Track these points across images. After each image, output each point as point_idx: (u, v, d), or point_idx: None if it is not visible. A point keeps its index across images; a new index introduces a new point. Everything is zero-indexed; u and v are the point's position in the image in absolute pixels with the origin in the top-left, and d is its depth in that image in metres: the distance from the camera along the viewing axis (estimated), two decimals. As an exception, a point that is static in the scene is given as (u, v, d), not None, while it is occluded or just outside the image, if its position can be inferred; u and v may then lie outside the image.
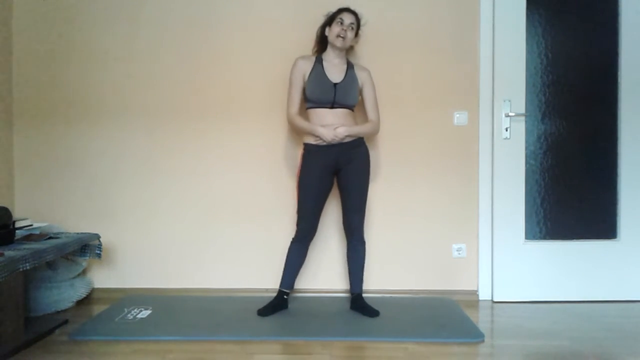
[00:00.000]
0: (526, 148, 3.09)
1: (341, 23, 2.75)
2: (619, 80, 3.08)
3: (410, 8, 3.13)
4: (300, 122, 2.79)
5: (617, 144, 3.10)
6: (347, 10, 2.79)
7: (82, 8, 3.16)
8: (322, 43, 2.86)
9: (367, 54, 3.08)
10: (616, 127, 3.10)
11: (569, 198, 3.11)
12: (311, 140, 2.78)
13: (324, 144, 2.74)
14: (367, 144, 2.87)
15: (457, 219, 3.16)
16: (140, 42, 3.17)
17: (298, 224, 2.84)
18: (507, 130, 3.07)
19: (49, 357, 2.28)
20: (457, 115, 3.14)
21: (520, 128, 3.07)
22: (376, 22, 3.12)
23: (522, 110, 3.06)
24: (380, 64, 3.10)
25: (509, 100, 3.06)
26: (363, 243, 2.88)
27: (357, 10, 2.81)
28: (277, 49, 3.10)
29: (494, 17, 3.06)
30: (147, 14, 3.16)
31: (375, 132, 2.92)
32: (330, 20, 2.80)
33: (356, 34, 2.83)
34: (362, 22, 2.84)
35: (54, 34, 3.17)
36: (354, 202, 2.83)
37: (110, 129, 3.18)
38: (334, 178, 2.85)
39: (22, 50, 3.18)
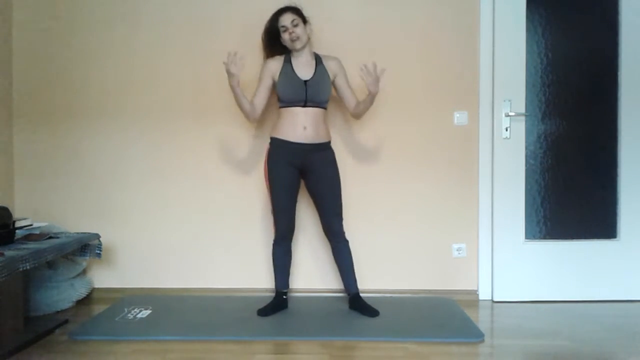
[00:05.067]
0: (526, 148, 3.09)
1: (285, 30, 2.72)
2: (619, 80, 3.08)
3: (411, 8, 3.13)
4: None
5: (617, 143, 3.10)
6: (280, 13, 2.74)
7: (82, 8, 3.16)
8: (274, 48, 2.82)
9: (366, 54, 3.08)
10: (616, 127, 3.10)
11: (569, 198, 3.11)
12: (279, 135, 2.76)
13: (291, 140, 2.72)
14: (334, 146, 2.87)
15: (457, 219, 3.16)
16: (140, 42, 3.17)
17: (276, 223, 2.83)
18: (507, 130, 3.07)
19: (49, 357, 2.28)
20: (457, 115, 3.14)
21: (520, 128, 3.07)
22: (376, 22, 3.12)
23: (522, 110, 3.06)
24: (379, 64, 3.09)
25: (509, 100, 3.06)
26: (346, 242, 2.87)
27: (288, 3, 2.77)
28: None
29: (494, 17, 3.06)
30: (147, 14, 3.16)
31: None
32: (274, 30, 2.76)
33: (304, 22, 2.76)
34: (300, 7, 2.77)
35: (54, 34, 3.17)
36: (331, 207, 2.82)
37: (110, 128, 3.18)
38: (300, 177, 2.83)
39: (22, 50, 3.18)
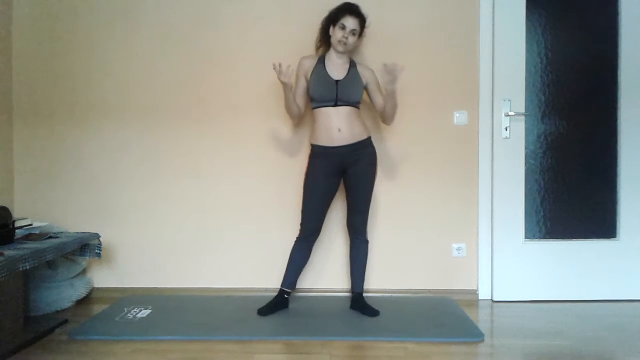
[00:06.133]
0: (526, 148, 3.09)
1: (343, 28, 2.71)
2: (619, 80, 3.08)
3: (411, 8, 3.13)
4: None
5: (617, 144, 3.10)
6: (351, 13, 2.71)
7: (82, 9, 3.16)
8: (326, 38, 2.83)
9: (367, 54, 3.08)
10: (616, 127, 3.10)
11: (569, 198, 3.12)
12: (318, 142, 2.76)
13: (328, 145, 2.73)
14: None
15: (457, 219, 3.16)
16: (140, 42, 3.17)
17: (302, 224, 2.83)
18: (507, 130, 3.07)
19: (49, 357, 2.28)
20: (457, 115, 3.14)
21: (520, 128, 3.07)
22: (377, 22, 3.12)
23: (522, 110, 3.06)
24: (380, 64, 3.09)
25: (509, 100, 3.06)
26: (366, 242, 2.88)
27: (363, 11, 2.76)
28: (276, 49, 3.09)
29: (494, 17, 3.06)
30: (147, 14, 3.16)
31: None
32: (334, 19, 2.74)
33: (360, 35, 2.78)
34: (367, 24, 2.79)
35: (54, 34, 3.17)
36: (359, 203, 2.82)
37: (111, 128, 3.18)
38: (341, 178, 2.83)
39: (22, 50, 3.18)
